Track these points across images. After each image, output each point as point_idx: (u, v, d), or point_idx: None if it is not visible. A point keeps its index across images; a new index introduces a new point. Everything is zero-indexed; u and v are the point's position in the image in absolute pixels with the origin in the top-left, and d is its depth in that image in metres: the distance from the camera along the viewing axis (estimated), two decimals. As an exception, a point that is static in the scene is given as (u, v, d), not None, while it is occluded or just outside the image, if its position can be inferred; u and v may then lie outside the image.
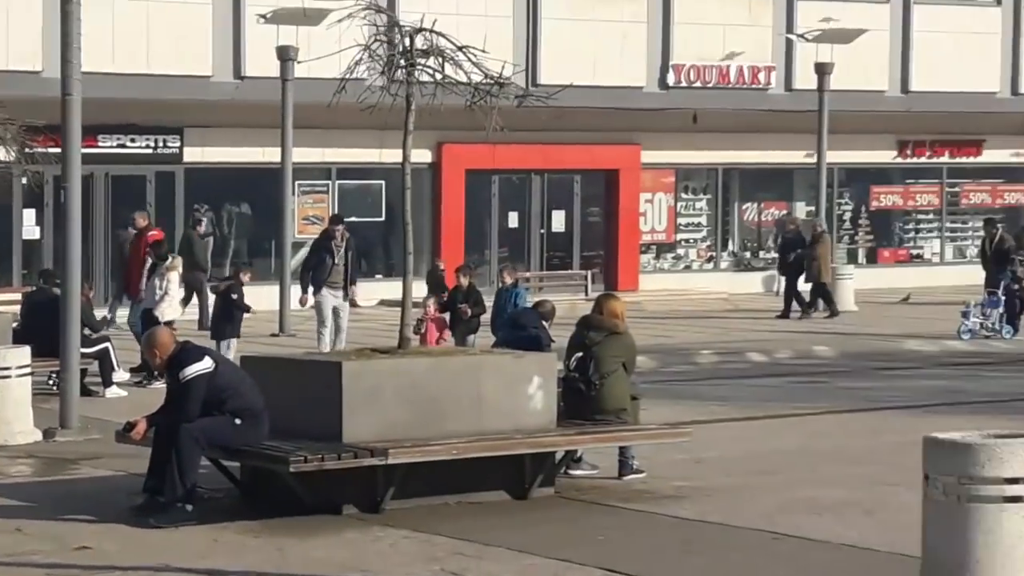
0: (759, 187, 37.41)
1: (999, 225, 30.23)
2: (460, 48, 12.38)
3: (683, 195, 36.65)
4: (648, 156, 35.16)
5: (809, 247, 29.95)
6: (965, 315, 25.63)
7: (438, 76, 12.39)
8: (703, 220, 36.93)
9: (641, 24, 33.50)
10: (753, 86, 34.62)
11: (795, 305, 29.70)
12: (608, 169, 34.97)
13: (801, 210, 36.83)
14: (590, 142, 34.11)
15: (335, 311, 21.49)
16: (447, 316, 19.73)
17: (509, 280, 19.85)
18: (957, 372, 21.14)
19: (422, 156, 32.21)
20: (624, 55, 33.20)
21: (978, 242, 32.74)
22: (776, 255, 33.37)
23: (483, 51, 12.40)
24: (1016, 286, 26.27)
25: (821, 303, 29.95)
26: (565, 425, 12.29)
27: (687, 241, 36.81)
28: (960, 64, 36.22)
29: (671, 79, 33.90)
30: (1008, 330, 25.64)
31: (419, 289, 22.27)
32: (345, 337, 21.51)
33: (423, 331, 18.90)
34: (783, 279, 31.11)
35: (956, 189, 39.31)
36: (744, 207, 37.25)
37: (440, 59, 12.49)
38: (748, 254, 37.17)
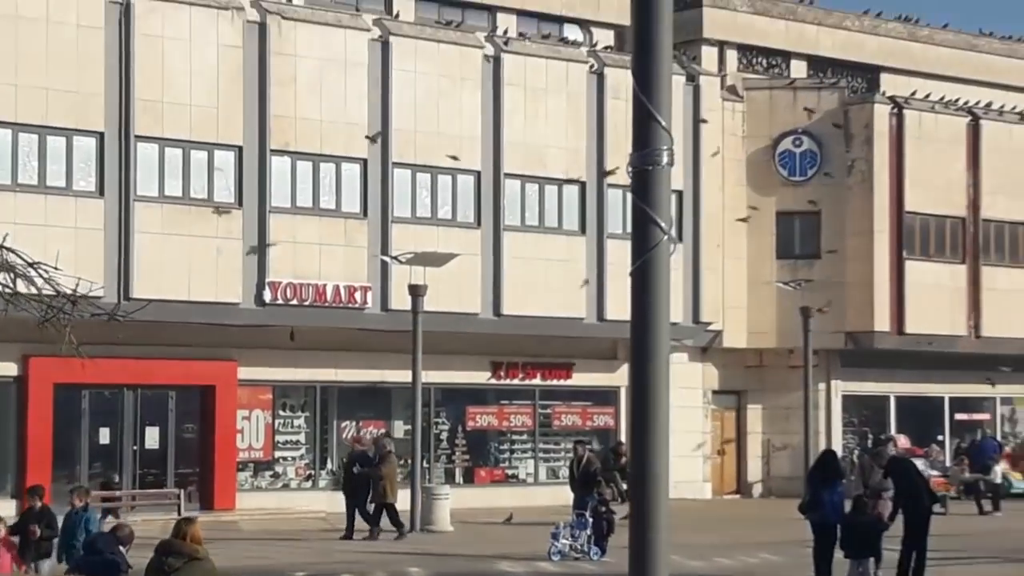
0: (358, 405, 37.53)
1: (588, 447, 30.97)
2: (31, 264, 12.08)
3: (281, 412, 36.45)
4: (245, 372, 34.93)
5: (375, 467, 29.93)
6: (555, 536, 26.01)
7: (7, 291, 12.03)
8: (301, 437, 36.76)
9: (236, 240, 33.52)
10: (350, 305, 34.95)
11: (383, 525, 29.60)
12: (204, 385, 34.56)
13: (399, 428, 37.07)
14: (185, 357, 33.70)
15: None
16: (16, 539, 18.90)
17: (79, 503, 19.24)
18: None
19: (6, 369, 31.18)
20: (219, 271, 33.11)
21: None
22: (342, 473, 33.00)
23: (56, 268, 12.12)
24: (603, 508, 26.83)
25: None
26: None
27: (285, 459, 36.52)
28: (549, 289, 37.46)
29: (268, 296, 33.91)
30: (596, 551, 26.09)
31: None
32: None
33: (-8, 554, 18.03)
34: (347, 498, 30.57)
35: (548, 411, 40.29)
36: (343, 425, 37.26)
37: (11, 274, 12.16)
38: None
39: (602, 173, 38.39)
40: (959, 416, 46.96)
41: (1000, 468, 40.75)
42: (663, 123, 7.70)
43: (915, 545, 21.00)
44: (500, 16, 40.75)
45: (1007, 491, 41.07)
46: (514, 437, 40.03)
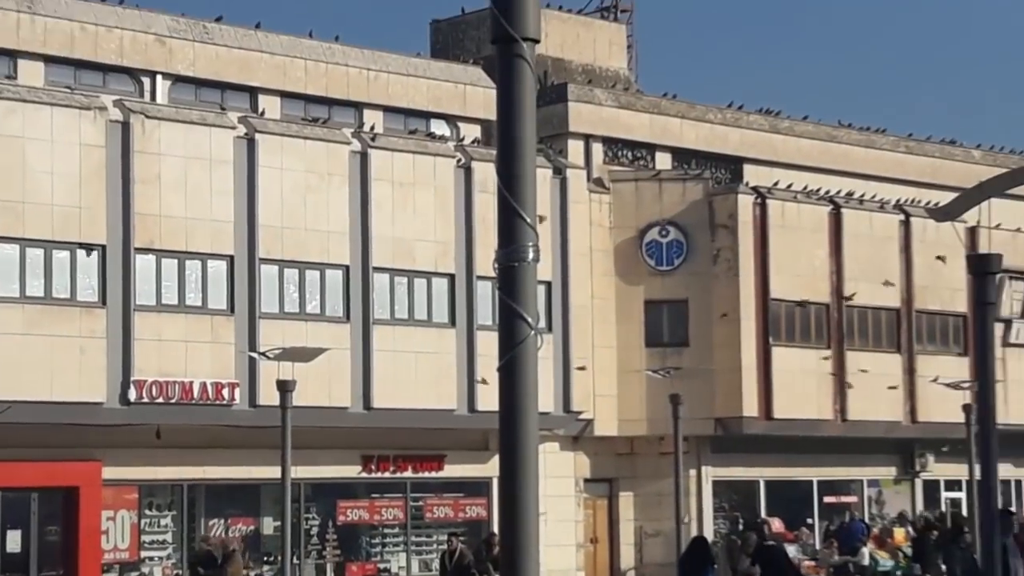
0: (226, 503, 37.07)
1: (460, 539, 30.86)
2: None
3: (147, 512, 35.89)
4: (110, 472, 34.37)
5: (220, 567, 29.53)
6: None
7: None
8: (168, 537, 36.19)
9: (100, 339, 33.11)
10: (217, 402, 34.59)
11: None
12: (67, 486, 33.93)
13: (269, 525, 36.67)
14: (48, 459, 33.10)
15: None
16: None
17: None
18: None
19: None
20: (82, 370, 32.65)
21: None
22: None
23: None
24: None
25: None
26: None
27: (152, 559, 35.92)
28: (420, 382, 37.42)
29: (132, 395, 33.49)
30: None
31: None
32: None
33: None
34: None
35: (420, 503, 40.09)
36: (211, 523, 36.77)
37: None
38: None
39: (472, 266, 38.52)
40: (827, 499, 47.45)
41: (867, 550, 41.20)
42: (528, 220, 7.78)
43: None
44: (367, 112, 40.87)
45: (874, 572, 41.56)
46: (386, 531, 39.76)
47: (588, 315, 42.04)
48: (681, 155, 46.54)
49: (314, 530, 38.31)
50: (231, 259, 35.26)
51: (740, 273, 43.24)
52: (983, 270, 18.78)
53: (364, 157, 37.59)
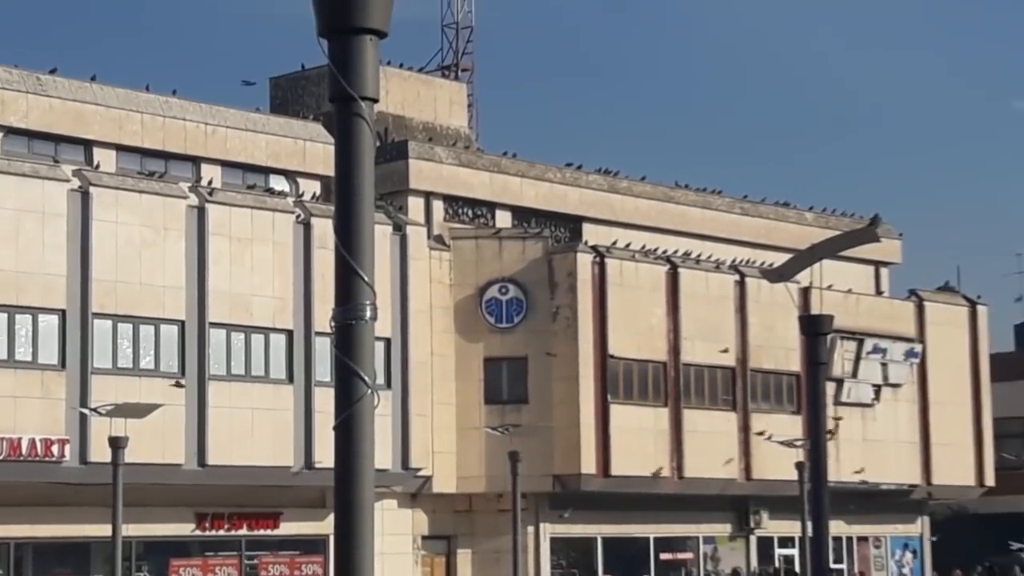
0: (55, 561, 36.31)
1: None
2: None
3: (-27, 574, 35.01)
4: (-67, 533, 33.50)
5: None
6: None
7: None
8: (-6, 598, 35.33)
9: (-72, 395, 32.34)
10: (47, 459, 33.92)
11: None
12: None
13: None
14: None
15: None
16: None
17: None
18: None
19: None
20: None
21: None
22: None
23: None
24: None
25: None
26: None
27: (-23, 622, 35.02)
28: (256, 439, 37.06)
29: (-44, 453, 32.71)
30: None
31: None
32: None
33: None
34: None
35: (255, 561, 39.60)
36: (40, 583, 35.98)
37: None
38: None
39: (310, 322, 38.29)
40: (664, 556, 47.78)
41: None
42: (366, 278, 7.76)
43: None
44: (204, 167, 40.52)
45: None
46: (221, 590, 39.19)
47: (427, 372, 41.99)
48: (521, 213, 46.80)
49: (147, 589, 37.66)
50: (63, 313, 34.68)
51: (579, 331, 43.52)
52: (815, 330, 19.14)
53: (201, 212, 37.25)
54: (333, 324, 7.78)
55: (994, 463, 53.83)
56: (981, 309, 54.30)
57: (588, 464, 43.33)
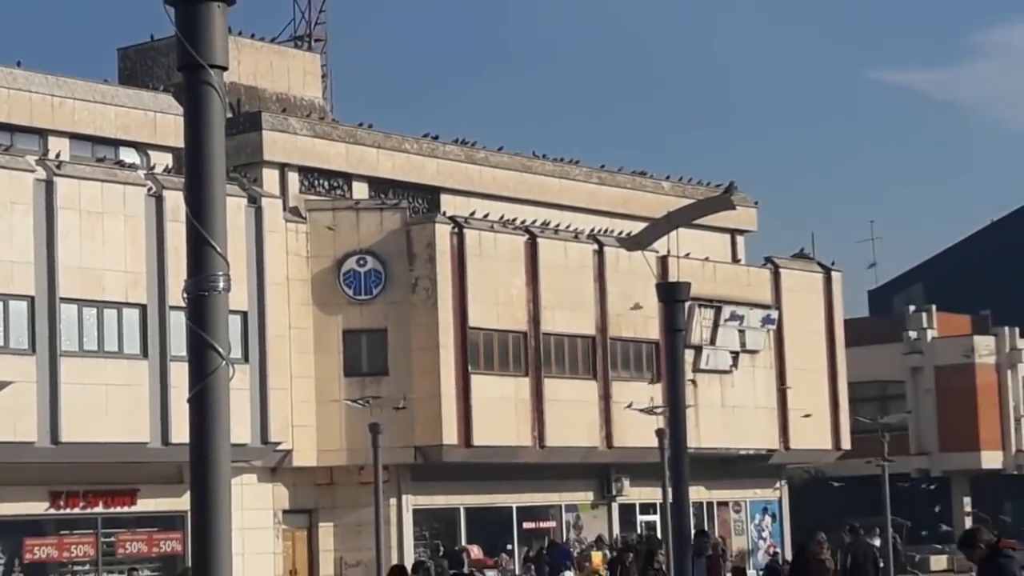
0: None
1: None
2: None
3: None
4: None
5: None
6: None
7: None
8: None
9: None
10: None
11: None
12: None
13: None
14: None
15: None
16: None
17: None
18: None
19: None
20: None
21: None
22: None
23: None
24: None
25: None
26: None
27: None
28: (111, 415, 36.48)
29: None
30: None
31: None
32: None
33: None
34: None
35: (112, 539, 39.06)
36: None
37: None
38: None
39: (164, 296, 37.74)
40: (527, 525, 47.93)
41: (571, 574, 41.74)
42: (218, 249, 7.59)
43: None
44: (52, 139, 39.67)
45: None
46: (76, 568, 38.61)
47: (285, 345, 41.63)
48: (378, 184, 46.52)
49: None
50: (-91, 290, 33.83)
51: (439, 302, 43.39)
52: (672, 298, 19.20)
53: (49, 185, 36.52)
54: (186, 296, 7.63)
55: (850, 427, 54.66)
56: (835, 275, 55.03)
57: (450, 435, 43.28)
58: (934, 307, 64.22)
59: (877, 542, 47.76)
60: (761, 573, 23.21)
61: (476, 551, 43.23)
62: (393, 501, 43.38)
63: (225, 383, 7.53)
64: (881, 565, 42.63)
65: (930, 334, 63.06)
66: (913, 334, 63.00)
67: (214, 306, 7.57)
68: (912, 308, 65.03)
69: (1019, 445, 62.78)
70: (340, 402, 42.34)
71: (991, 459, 62.31)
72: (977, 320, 64.96)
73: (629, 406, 45.61)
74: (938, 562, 57.87)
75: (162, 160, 41.38)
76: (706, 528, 41.90)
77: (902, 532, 55.25)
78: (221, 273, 7.57)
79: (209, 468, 7.55)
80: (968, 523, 54.17)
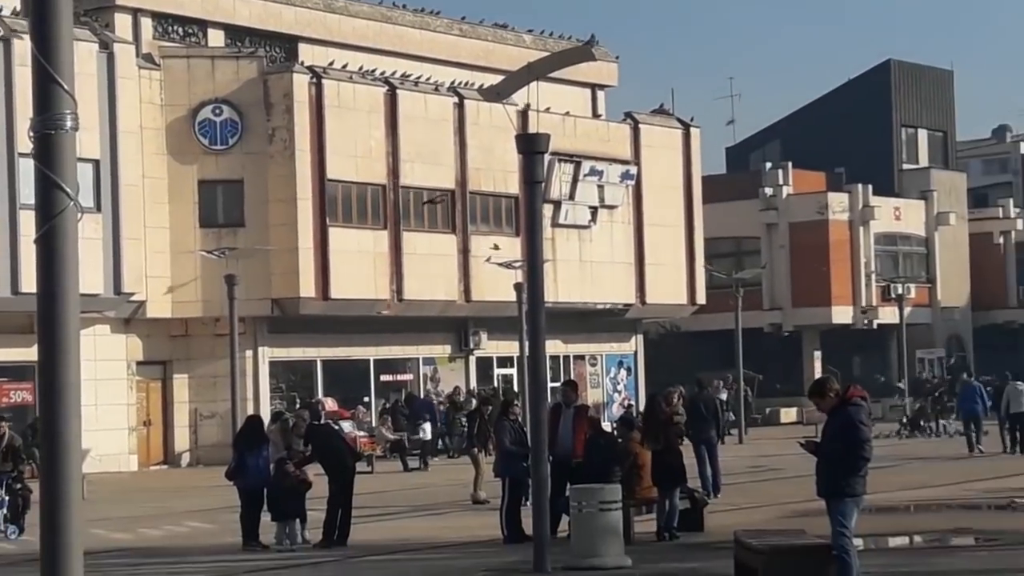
0: None
1: (6, 422, 29.72)
2: None
3: None
4: None
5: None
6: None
7: None
8: None
9: None
10: None
11: None
12: None
13: None
14: None
15: None
16: None
17: None
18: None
19: None
20: None
21: None
22: None
23: None
24: (19, 485, 25.84)
25: None
26: None
27: None
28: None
29: None
30: (13, 530, 25.13)
31: None
32: None
33: None
34: None
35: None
36: None
37: None
38: None
39: (13, 143, 36.91)
40: (384, 377, 48.06)
41: (429, 426, 41.97)
42: (65, 86, 7.37)
43: (341, 504, 21.27)
44: None
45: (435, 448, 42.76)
46: (-73, 421, 38.03)
47: (139, 194, 41.01)
48: (234, 32, 45.69)
49: None
50: None
51: (296, 153, 42.91)
52: (532, 149, 19.11)
53: None
54: (32, 135, 7.43)
55: (705, 282, 55.32)
56: (694, 131, 55.29)
57: (307, 288, 43.10)
58: (790, 164, 64.87)
59: (724, 395, 48.80)
60: (615, 425, 23.52)
61: (332, 403, 43.26)
62: (249, 353, 43.20)
63: (73, 225, 7.35)
64: (727, 418, 43.57)
65: (785, 191, 63.76)
66: (769, 191, 63.65)
67: (61, 145, 7.37)
68: (768, 165, 65.64)
69: (869, 301, 64.00)
70: (195, 253, 41.92)
71: (841, 314, 63.50)
72: (831, 177, 65.78)
73: (489, 260, 45.71)
74: (787, 415, 59.10)
75: (9, 2, 40.24)
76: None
77: (754, 385, 56.30)
78: (68, 111, 7.36)
79: (57, 312, 7.39)
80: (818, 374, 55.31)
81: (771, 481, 30.33)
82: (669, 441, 20.98)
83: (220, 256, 40.78)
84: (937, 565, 16.65)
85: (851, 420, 13.90)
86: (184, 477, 39.53)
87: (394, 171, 45.53)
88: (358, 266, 44.18)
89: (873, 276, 64.22)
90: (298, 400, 44.16)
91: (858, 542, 14.36)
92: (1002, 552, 17.83)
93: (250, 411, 38.69)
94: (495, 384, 49.63)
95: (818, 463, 14.10)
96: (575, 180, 50.38)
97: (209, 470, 36.45)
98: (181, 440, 43.61)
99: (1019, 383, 39.10)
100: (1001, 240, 73.02)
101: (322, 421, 24.35)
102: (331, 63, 45.63)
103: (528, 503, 20.22)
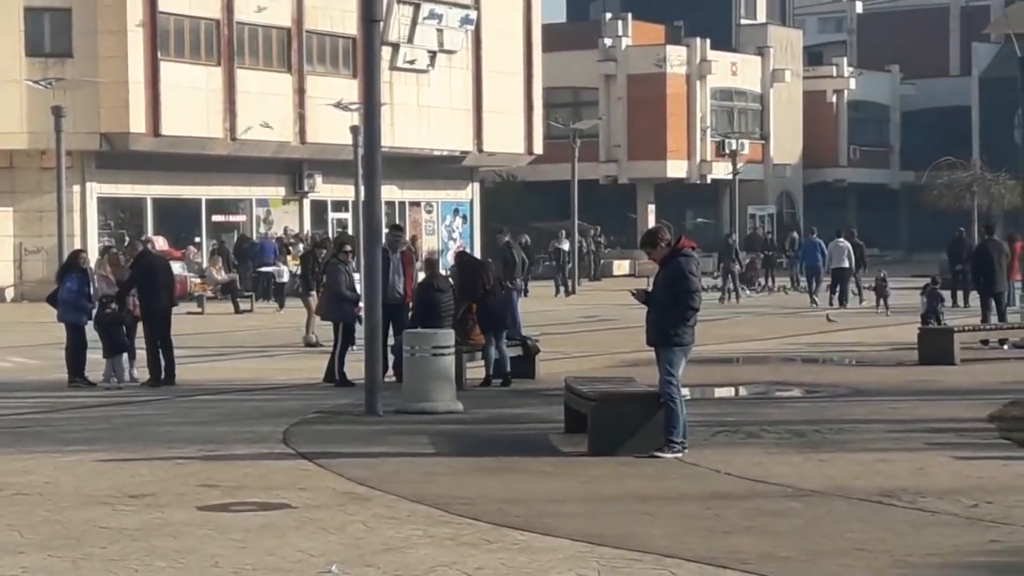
0: None
1: None
2: None
3: None
4: None
5: None
6: None
7: None
8: None
9: None
10: None
11: None
12: None
13: None
14: None
15: None
16: None
17: None
18: None
19: None
20: None
21: None
22: None
23: None
24: None
25: None
26: None
27: None
28: None
29: None
30: None
31: None
32: None
33: None
34: None
35: None
36: None
37: None
38: None
39: None
40: (216, 218, 47.35)
41: (286, 268, 41.20)
42: None
43: (160, 341, 20.86)
44: None
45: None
46: None
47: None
48: None
49: None
50: None
51: (128, -16, 41.66)
52: (373, -14, 18.61)
53: None
54: None
55: (543, 132, 55.15)
56: (535, -22, 54.72)
57: (137, 123, 42.13)
58: (630, 15, 64.67)
59: (565, 245, 48.95)
60: (450, 271, 23.39)
61: (161, 242, 42.49)
62: (77, 188, 42.22)
63: None
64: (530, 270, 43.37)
65: (624, 42, 63.61)
66: (608, 41, 63.46)
67: None
68: (608, 16, 65.40)
69: (703, 155, 64.41)
70: (20, 82, 40.67)
71: (676, 168, 63.88)
72: (671, 30, 65.75)
73: (332, 104, 44.95)
74: (620, 267, 59.52)
75: None
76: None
77: (589, 235, 56.49)
78: None
79: None
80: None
81: (602, 331, 30.50)
82: (491, 287, 20.78)
83: (47, 87, 39.61)
84: (765, 415, 16.87)
85: (681, 270, 13.90)
86: (8, 312, 38.73)
87: (229, 6, 44.45)
88: (190, 103, 43.22)
89: (708, 131, 64.58)
90: (127, 238, 43.32)
91: (685, 391, 14.42)
92: (825, 403, 18.21)
93: (76, 246, 37.91)
94: (329, 228, 49.15)
95: (648, 313, 14.11)
96: (414, 23, 49.65)
97: (34, 306, 35.71)
98: (5, 275, 42.69)
99: (840, 240, 39.66)
100: (834, 99, 73.84)
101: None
102: None
103: (355, 348, 20.15)
